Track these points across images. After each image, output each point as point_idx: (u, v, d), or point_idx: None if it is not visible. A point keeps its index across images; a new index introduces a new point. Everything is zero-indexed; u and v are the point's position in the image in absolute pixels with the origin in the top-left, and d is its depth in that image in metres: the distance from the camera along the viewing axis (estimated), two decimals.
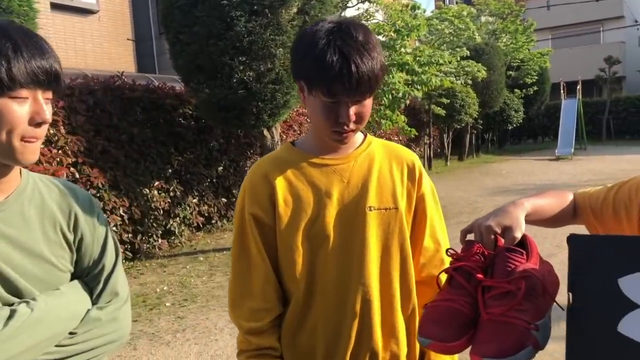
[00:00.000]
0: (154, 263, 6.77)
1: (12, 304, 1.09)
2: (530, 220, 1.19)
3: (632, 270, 0.92)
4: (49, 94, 1.14)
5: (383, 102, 8.34)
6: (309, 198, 1.39)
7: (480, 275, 1.07)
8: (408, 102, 9.09)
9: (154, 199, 7.15)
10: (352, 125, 1.34)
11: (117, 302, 1.24)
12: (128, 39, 14.75)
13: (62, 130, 6.08)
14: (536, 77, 20.59)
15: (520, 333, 0.99)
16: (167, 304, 5.22)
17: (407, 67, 7.95)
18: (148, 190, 7.09)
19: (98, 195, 6.31)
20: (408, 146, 16.66)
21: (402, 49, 7.88)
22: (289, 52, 1.53)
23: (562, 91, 21.70)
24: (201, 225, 8.01)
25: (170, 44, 6.38)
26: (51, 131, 5.94)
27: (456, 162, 17.94)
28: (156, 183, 7.21)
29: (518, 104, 20.03)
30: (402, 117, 9.09)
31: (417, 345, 1.45)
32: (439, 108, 14.28)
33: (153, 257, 7.03)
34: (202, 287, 5.71)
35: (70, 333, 1.14)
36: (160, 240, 7.25)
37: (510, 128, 21.21)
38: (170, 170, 7.45)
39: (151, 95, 7.30)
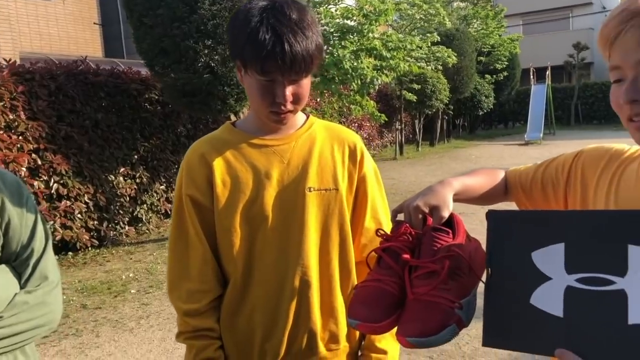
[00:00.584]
0: (121, 250, 6.71)
1: None
2: (460, 199, 1.20)
3: (544, 244, 0.94)
4: None
5: (352, 87, 8.33)
6: (248, 179, 1.38)
7: (406, 255, 1.08)
8: (377, 87, 9.09)
9: (120, 186, 7.06)
10: (289, 106, 1.33)
11: (46, 286, 1.23)
12: (95, 23, 14.42)
13: (23, 116, 5.95)
14: (506, 63, 20.80)
15: (443, 312, 0.99)
16: (133, 291, 5.18)
17: (375, 52, 7.95)
18: (114, 177, 6.99)
19: (62, 182, 6.20)
20: (380, 132, 16.82)
21: (370, 34, 7.87)
22: None
23: (531, 77, 21.99)
24: (169, 212, 7.94)
25: (134, 27, 6.27)
26: (11, 117, 5.80)
27: (427, 148, 18.09)
28: (122, 169, 7.11)
29: (488, 90, 20.23)
30: (372, 102, 9.09)
31: None
32: (410, 94, 14.33)
33: (120, 244, 6.95)
34: None
35: None
36: (127, 228, 7.17)
37: (481, 113, 21.43)
38: (136, 157, 7.35)
39: (116, 80, 7.17)
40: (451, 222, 1.14)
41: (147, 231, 7.49)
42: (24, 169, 5.74)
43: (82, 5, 14.12)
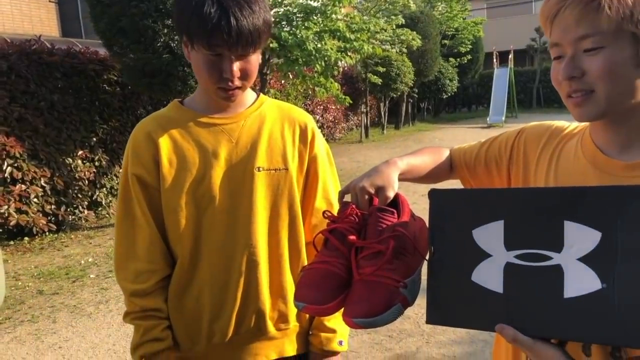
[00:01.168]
0: (80, 235, 6.57)
1: None
2: (406, 178, 1.20)
3: (485, 221, 0.95)
4: None
5: (316, 69, 8.28)
6: (195, 158, 1.36)
7: (352, 237, 1.07)
8: (342, 69, 9.06)
9: (79, 169, 6.89)
10: (237, 82, 1.31)
11: None
12: (50, 1, 13.93)
13: None
14: (470, 47, 20.98)
15: (388, 291, 1.00)
16: (92, 276, 5.09)
17: (339, 33, 7.91)
18: (71, 160, 6.81)
19: (16, 165, 6.01)
20: (345, 115, 16.81)
21: (334, 15, 7.82)
22: None
23: (495, 60, 22.25)
24: None
25: (90, 5, 6.08)
26: None
27: (393, 131, 18.19)
28: (80, 152, 6.93)
29: (452, 73, 20.41)
30: (337, 85, 9.06)
31: None
32: (375, 77, 14.34)
33: (79, 228, 6.81)
34: None
35: None
36: (86, 212, 7.02)
37: (445, 97, 21.63)
38: (95, 139, 7.17)
39: (72, 60, 6.95)
40: (396, 202, 1.14)
41: (107, 215, 7.35)
42: None
43: None
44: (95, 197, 7.16)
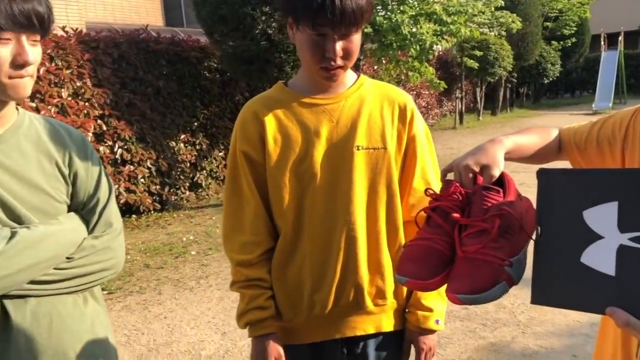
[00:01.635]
0: (182, 214, 6.94)
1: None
2: (512, 157, 1.17)
3: (596, 202, 0.92)
4: (36, 37, 1.17)
5: (411, 53, 8.16)
6: (298, 137, 1.41)
7: (456, 215, 1.07)
8: (437, 53, 8.87)
9: (181, 152, 7.27)
10: (339, 61, 1.34)
11: (111, 232, 1.30)
12: None
13: (89, 83, 6.18)
14: (575, 29, 19.77)
15: (493, 269, 0.99)
16: (193, 253, 5.38)
17: (435, 17, 7.74)
18: (174, 143, 7.20)
19: (126, 147, 6.44)
20: (439, 100, 16.47)
21: None
22: None
23: (602, 43, 20.84)
24: None
25: None
26: (78, 84, 6.04)
27: (489, 117, 17.60)
28: (182, 136, 7.30)
29: (555, 57, 19.35)
30: (431, 69, 8.89)
31: None
32: (471, 61, 13.90)
33: (181, 208, 7.20)
34: None
35: (68, 258, 1.21)
36: (187, 193, 7.40)
37: (546, 82, 20.58)
38: (196, 124, 7.53)
39: (176, 47, 7.32)
40: (502, 181, 1.12)
41: (206, 196, 7.71)
42: (90, 134, 6.00)
43: None
44: (196, 179, 7.53)
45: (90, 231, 1.28)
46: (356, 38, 1.35)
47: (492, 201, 1.06)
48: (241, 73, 6.58)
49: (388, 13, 7.46)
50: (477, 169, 1.09)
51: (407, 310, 1.50)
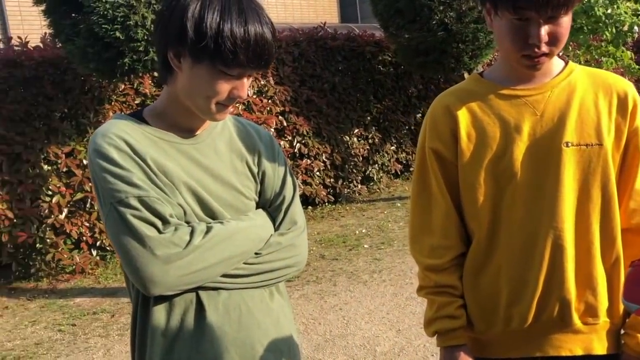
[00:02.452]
0: (354, 207, 7.05)
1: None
2: None
3: None
4: (254, 74, 1.22)
5: (605, 36, 7.36)
6: (495, 132, 1.29)
7: None
8: (636, 35, 7.90)
9: (354, 146, 7.38)
10: (544, 48, 1.19)
11: (295, 230, 1.31)
12: None
13: (272, 81, 6.54)
14: None
15: None
16: (365, 246, 5.42)
17: None
18: (348, 138, 7.33)
19: (303, 142, 6.72)
20: (638, 89, 14.61)
21: None
22: None
23: None
24: (399, 173, 8.08)
25: None
26: (262, 82, 6.43)
27: None
28: (356, 130, 7.41)
29: None
30: (629, 53, 7.93)
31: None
32: None
33: (353, 201, 7.32)
34: (398, 231, 5.80)
35: (256, 253, 1.24)
36: (359, 186, 7.51)
37: None
38: (369, 118, 7.59)
39: (351, 43, 7.43)
40: None
41: (377, 190, 7.74)
42: (272, 129, 6.35)
43: None
44: (368, 172, 7.60)
45: (276, 228, 1.29)
46: (565, 20, 1.19)
47: None
48: (416, 65, 6.47)
49: None
50: None
51: (624, 331, 1.30)
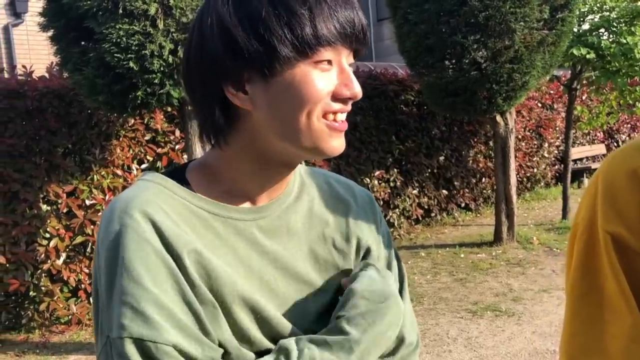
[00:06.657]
0: None
1: (267, 350, 0.77)
2: None
3: None
4: (352, 58, 0.79)
5: None
6: None
7: None
8: None
9: (375, 189, 6.94)
10: None
11: (403, 350, 0.86)
12: None
13: None
14: None
15: None
16: None
17: None
18: (369, 180, 6.90)
19: None
20: None
21: None
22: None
23: None
24: (420, 218, 7.62)
25: (397, 26, 6.02)
26: None
27: None
28: (377, 172, 6.99)
29: None
30: None
31: None
32: None
33: None
34: (427, 286, 5.29)
35: None
36: None
37: None
38: (390, 160, 7.17)
39: (374, 81, 7.08)
40: None
41: (398, 237, 7.27)
42: None
43: None
44: (388, 217, 7.14)
45: None
46: None
47: None
48: (445, 106, 6.07)
49: (617, 36, 6.46)
50: None
51: None
